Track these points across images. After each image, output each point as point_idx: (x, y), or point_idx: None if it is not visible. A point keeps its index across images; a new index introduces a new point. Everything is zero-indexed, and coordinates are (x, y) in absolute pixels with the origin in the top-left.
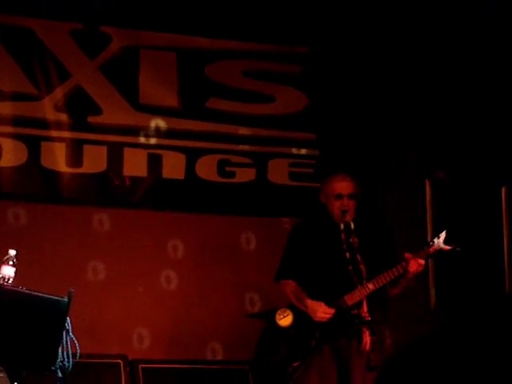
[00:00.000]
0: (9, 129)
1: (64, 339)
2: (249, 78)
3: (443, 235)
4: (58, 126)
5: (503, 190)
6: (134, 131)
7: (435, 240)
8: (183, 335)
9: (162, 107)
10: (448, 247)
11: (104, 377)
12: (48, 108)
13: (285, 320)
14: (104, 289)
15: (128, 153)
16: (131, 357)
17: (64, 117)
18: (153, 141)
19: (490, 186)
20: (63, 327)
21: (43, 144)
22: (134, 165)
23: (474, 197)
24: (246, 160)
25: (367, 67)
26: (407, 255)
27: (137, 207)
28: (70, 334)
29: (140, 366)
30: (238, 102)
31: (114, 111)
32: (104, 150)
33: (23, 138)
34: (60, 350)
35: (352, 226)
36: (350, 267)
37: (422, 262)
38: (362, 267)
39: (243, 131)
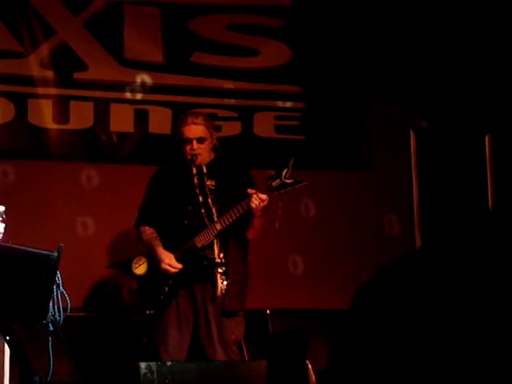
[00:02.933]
0: None
1: (55, 293)
2: (233, 31)
3: (286, 170)
4: (44, 82)
5: (487, 138)
6: (120, 87)
7: (277, 174)
8: None
9: (147, 62)
10: (291, 180)
11: (95, 331)
12: (33, 65)
13: (140, 268)
14: (93, 244)
15: (114, 108)
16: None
17: (50, 74)
18: (139, 96)
19: (473, 134)
20: (53, 282)
21: (30, 101)
22: (121, 120)
23: (458, 146)
24: (232, 114)
25: (350, 17)
26: (250, 191)
27: (124, 162)
28: (61, 288)
29: (131, 318)
30: (222, 55)
31: (99, 67)
32: (90, 106)
33: (9, 96)
34: (51, 304)
35: (204, 169)
36: (203, 210)
37: (264, 196)
38: (214, 210)
39: (228, 85)
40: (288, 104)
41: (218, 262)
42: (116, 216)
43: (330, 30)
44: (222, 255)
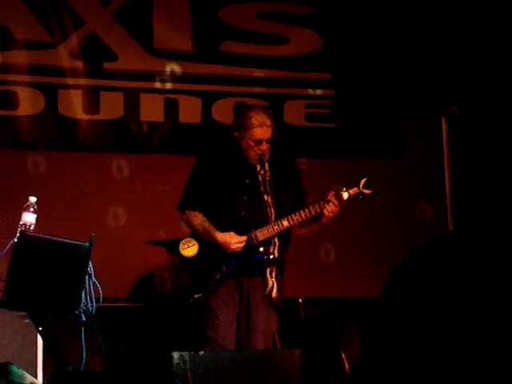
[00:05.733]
0: (25, 77)
1: (87, 284)
2: (263, 19)
3: (364, 179)
4: (74, 73)
5: None
6: (150, 76)
7: (356, 182)
8: None
9: (176, 51)
10: (369, 191)
11: (127, 320)
12: (63, 55)
13: (189, 250)
14: (125, 233)
15: (144, 98)
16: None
17: (79, 64)
18: (168, 85)
19: (505, 120)
20: (86, 272)
21: (60, 92)
22: (151, 110)
23: (490, 132)
24: (262, 102)
25: (380, 3)
26: (329, 197)
27: (155, 152)
28: (93, 278)
29: (163, 308)
30: (252, 44)
31: (128, 57)
32: (120, 96)
33: (40, 87)
34: (83, 295)
35: (267, 166)
36: (262, 203)
37: (337, 205)
38: (272, 203)
39: (258, 73)
40: (318, 92)
41: (276, 259)
42: (147, 205)
43: (360, 17)
44: (276, 250)
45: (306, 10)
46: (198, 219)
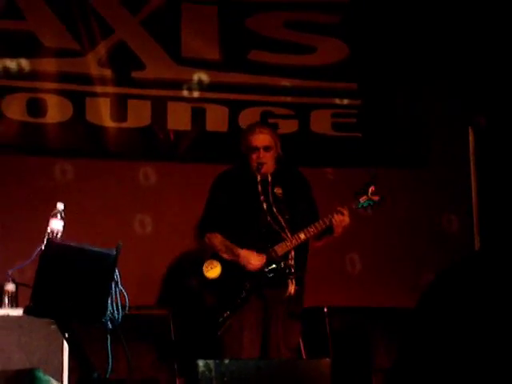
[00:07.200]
0: (54, 85)
1: (113, 291)
2: (290, 29)
3: (372, 186)
4: (102, 81)
5: None
6: (177, 85)
7: (364, 190)
8: None
9: (204, 60)
10: (377, 197)
11: (153, 328)
12: (91, 64)
13: (213, 271)
14: (151, 241)
15: (171, 106)
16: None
17: (108, 72)
18: (196, 94)
19: None
20: (112, 279)
21: (88, 99)
22: (178, 118)
23: None
24: (289, 111)
25: (408, 14)
26: (339, 208)
27: (181, 160)
28: (119, 285)
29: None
30: (279, 53)
31: (156, 66)
32: (148, 104)
33: (68, 94)
34: (109, 302)
35: (269, 177)
36: (269, 218)
37: (347, 215)
38: (281, 218)
39: (285, 82)
40: (345, 101)
41: (295, 272)
42: (173, 214)
43: (387, 26)
44: (293, 263)
45: (333, 20)
46: (218, 238)
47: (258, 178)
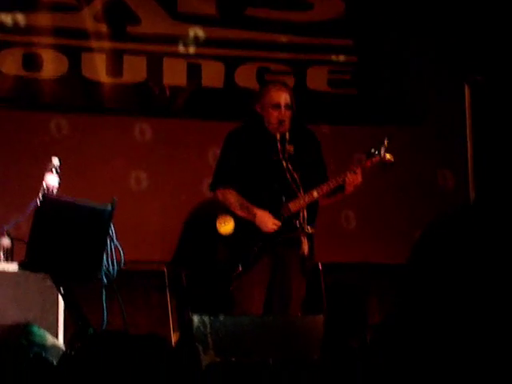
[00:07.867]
0: (49, 40)
1: (108, 246)
2: None
3: (384, 147)
4: (98, 36)
5: None
6: (173, 40)
7: (377, 151)
8: None
9: (200, 16)
10: (390, 158)
11: (148, 283)
12: (87, 18)
13: (227, 227)
14: (146, 198)
15: (167, 62)
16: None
17: (103, 27)
18: (192, 50)
19: None
20: (107, 235)
21: (83, 54)
22: (174, 74)
23: None
24: (285, 68)
25: None
26: (352, 167)
27: (177, 116)
28: (115, 241)
29: (183, 272)
30: (276, 9)
31: (152, 21)
32: (143, 59)
33: (64, 49)
34: (105, 257)
35: (287, 135)
36: (288, 175)
37: (360, 175)
38: (296, 176)
39: (282, 39)
40: (341, 58)
41: (309, 231)
42: (169, 170)
43: None
44: (307, 221)
45: None
46: (233, 195)
47: (278, 135)
